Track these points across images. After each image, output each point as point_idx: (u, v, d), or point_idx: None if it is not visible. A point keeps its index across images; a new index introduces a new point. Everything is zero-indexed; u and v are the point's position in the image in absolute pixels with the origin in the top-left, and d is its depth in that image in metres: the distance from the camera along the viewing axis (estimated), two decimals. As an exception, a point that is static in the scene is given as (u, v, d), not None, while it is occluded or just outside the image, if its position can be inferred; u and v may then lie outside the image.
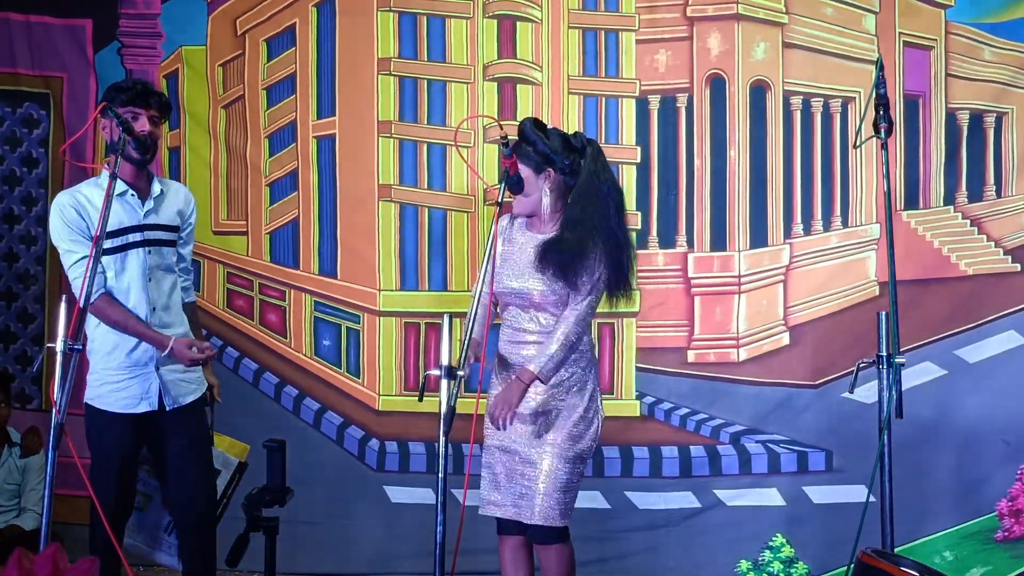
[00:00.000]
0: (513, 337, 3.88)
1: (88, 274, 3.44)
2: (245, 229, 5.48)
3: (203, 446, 4.04)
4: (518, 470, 3.78)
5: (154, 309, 3.93)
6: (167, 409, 3.94)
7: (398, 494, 5.35)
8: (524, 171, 3.79)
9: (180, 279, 4.11)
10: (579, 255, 3.71)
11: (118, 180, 3.81)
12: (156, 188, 3.99)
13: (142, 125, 3.85)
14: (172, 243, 4.03)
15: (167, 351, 3.86)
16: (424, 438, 5.33)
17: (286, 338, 5.47)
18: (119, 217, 3.85)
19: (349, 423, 5.41)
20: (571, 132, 3.94)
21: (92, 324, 3.86)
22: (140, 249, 3.92)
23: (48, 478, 3.36)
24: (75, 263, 3.85)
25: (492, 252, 3.68)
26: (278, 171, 5.47)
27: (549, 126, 3.91)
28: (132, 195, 3.92)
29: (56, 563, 2.53)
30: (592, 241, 3.72)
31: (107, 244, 3.78)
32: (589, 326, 3.87)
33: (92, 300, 3.68)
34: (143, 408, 3.92)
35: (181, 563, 4.12)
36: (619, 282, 3.80)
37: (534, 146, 3.79)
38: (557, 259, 3.73)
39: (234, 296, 5.49)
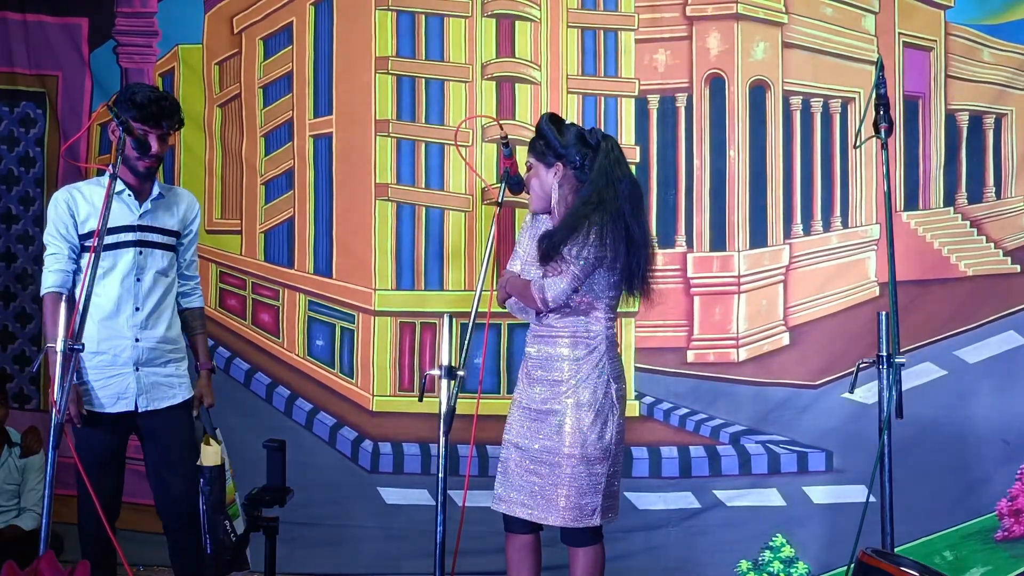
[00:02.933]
0: (533, 331, 3.90)
1: (88, 270, 3.45)
2: (239, 228, 5.46)
3: (184, 449, 4.02)
4: (530, 468, 3.76)
5: (137, 309, 3.93)
6: (140, 411, 3.93)
7: (393, 495, 5.33)
8: (536, 166, 3.81)
9: (182, 285, 4.11)
10: (568, 234, 3.70)
11: (117, 179, 3.83)
12: (155, 191, 3.99)
13: (152, 145, 3.89)
14: (169, 248, 4.03)
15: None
16: (418, 439, 5.31)
17: (279, 338, 5.45)
18: (114, 215, 3.84)
19: (342, 424, 5.39)
20: (588, 128, 3.92)
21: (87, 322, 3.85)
22: (131, 249, 3.93)
23: (48, 478, 3.35)
24: (47, 255, 3.95)
25: (492, 251, 3.68)
26: (274, 170, 5.45)
27: (567, 121, 3.93)
28: (129, 195, 3.93)
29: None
30: (589, 221, 3.68)
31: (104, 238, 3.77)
32: (602, 308, 3.81)
33: (43, 294, 3.91)
34: (120, 408, 3.93)
35: (171, 562, 4.11)
36: (633, 280, 3.79)
37: (545, 140, 3.81)
38: (547, 241, 3.75)
39: (226, 295, 5.46)
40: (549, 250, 3.72)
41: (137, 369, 3.94)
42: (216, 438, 4.08)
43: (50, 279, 3.91)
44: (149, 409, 3.96)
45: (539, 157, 3.83)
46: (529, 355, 3.88)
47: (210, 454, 3.95)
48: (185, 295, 4.17)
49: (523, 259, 3.93)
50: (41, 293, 3.93)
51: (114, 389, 3.92)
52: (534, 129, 3.89)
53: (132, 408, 3.94)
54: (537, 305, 3.75)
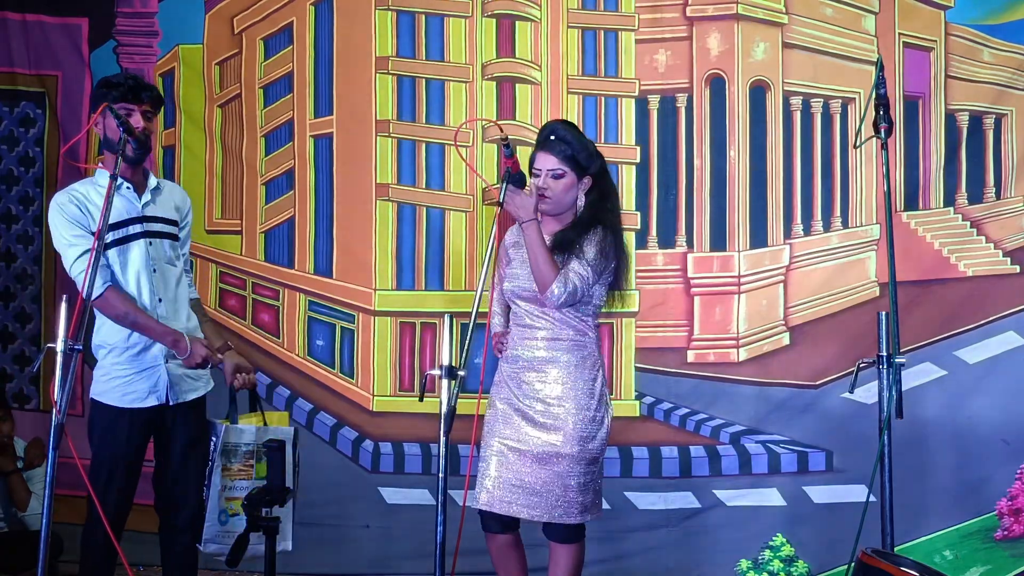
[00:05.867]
0: (521, 335, 3.88)
1: (90, 269, 3.43)
2: (239, 228, 5.47)
3: (202, 444, 3.99)
4: (529, 470, 3.77)
5: (160, 300, 3.91)
6: (170, 404, 3.92)
7: (393, 495, 5.34)
8: (569, 174, 3.81)
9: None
10: (587, 230, 3.79)
11: (116, 178, 3.81)
12: (152, 181, 3.98)
13: (136, 121, 3.85)
14: (173, 237, 4.00)
15: (184, 351, 3.83)
16: (419, 439, 5.32)
17: (279, 338, 5.45)
18: (118, 210, 3.82)
19: (342, 424, 5.40)
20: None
21: (101, 319, 3.85)
22: (141, 241, 3.90)
23: (48, 478, 3.34)
24: (78, 259, 3.78)
25: (495, 251, 3.68)
26: (274, 170, 5.46)
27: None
28: (128, 188, 3.90)
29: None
30: (600, 222, 3.81)
31: (108, 237, 3.75)
32: (592, 313, 3.86)
33: (100, 293, 3.74)
34: (151, 402, 3.89)
35: (162, 561, 4.09)
36: (618, 280, 3.87)
37: (588, 153, 3.85)
38: (571, 239, 3.78)
39: (227, 295, 5.47)
40: (565, 245, 3.77)
41: (167, 361, 3.93)
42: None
43: (99, 277, 3.68)
44: (178, 402, 3.95)
45: (573, 167, 3.82)
46: (519, 357, 3.87)
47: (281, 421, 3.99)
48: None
49: (521, 276, 3.89)
50: (95, 295, 3.73)
51: (147, 383, 3.89)
52: (560, 136, 3.83)
53: (163, 400, 3.92)
54: (548, 283, 3.72)
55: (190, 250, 4.23)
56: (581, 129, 5.03)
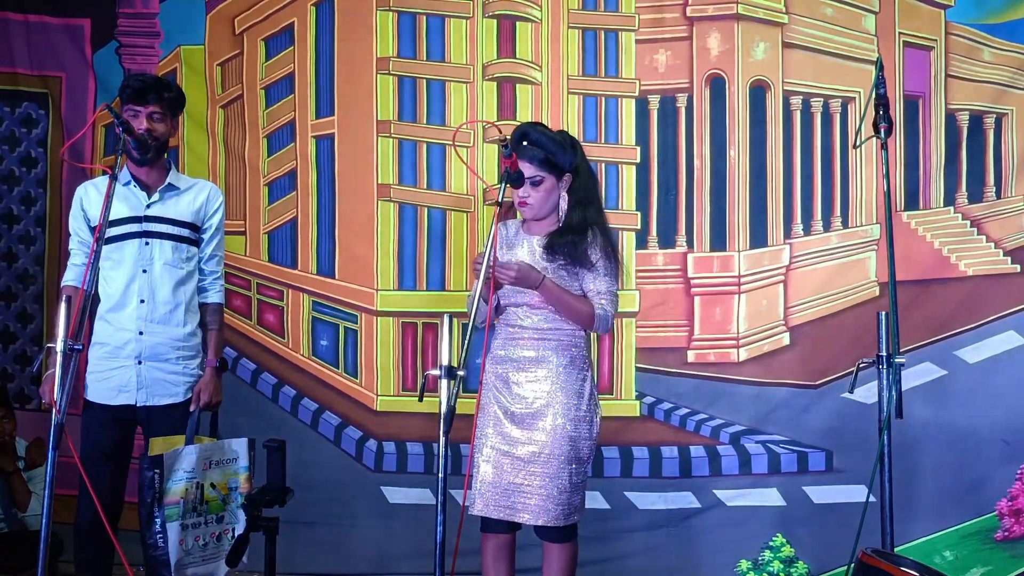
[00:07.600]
0: (511, 335, 3.88)
1: (90, 268, 3.46)
2: (243, 229, 5.48)
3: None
4: (520, 472, 3.77)
5: (143, 302, 3.92)
6: (138, 405, 3.94)
7: (396, 495, 5.35)
8: (547, 178, 3.80)
9: (200, 279, 4.11)
10: (583, 236, 3.78)
11: (125, 171, 3.89)
12: (166, 182, 4.00)
13: (140, 124, 3.89)
14: (184, 240, 4.02)
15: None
16: (422, 438, 5.32)
17: (284, 338, 5.46)
18: (118, 208, 3.88)
19: (347, 423, 5.40)
20: (558, 131, 3.99)
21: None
22: (136, 240, 3.93)
23: (48, 478, 3.35)
24: (71, 250, 4.07)
25: (492, 250, 3.68)
26: (276, 171, 5.46)
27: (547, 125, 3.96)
28: (134, 186, 3.94)
29: None
30: (591, 224, 3.82)
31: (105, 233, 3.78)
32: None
33: (62, 286, 4.03)
34: (121, 400, 3.94)
35: None
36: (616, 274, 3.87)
37: (562, 151, 3.82)
38: (566, 243, 3.78)
39: (232, 296, 5.47)
40: (557, 248, 3.78)
41: (139, 363, 3.94)
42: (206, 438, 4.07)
43: (67, 275, 4.06)
44: (148, 404, 3.95)
45: (551, 170, 3.81)
46: (508, 358, 3.87)
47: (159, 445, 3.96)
48: (202, 289, 4.15)
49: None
50: (68, 284, 4.05)
51: (115, 382, 3.93)
52: (533, 140, 3.80)
53: (133, 401, 3.94)
54: (589, 320, 3.76)
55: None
56: (581, 129, 5.09)
